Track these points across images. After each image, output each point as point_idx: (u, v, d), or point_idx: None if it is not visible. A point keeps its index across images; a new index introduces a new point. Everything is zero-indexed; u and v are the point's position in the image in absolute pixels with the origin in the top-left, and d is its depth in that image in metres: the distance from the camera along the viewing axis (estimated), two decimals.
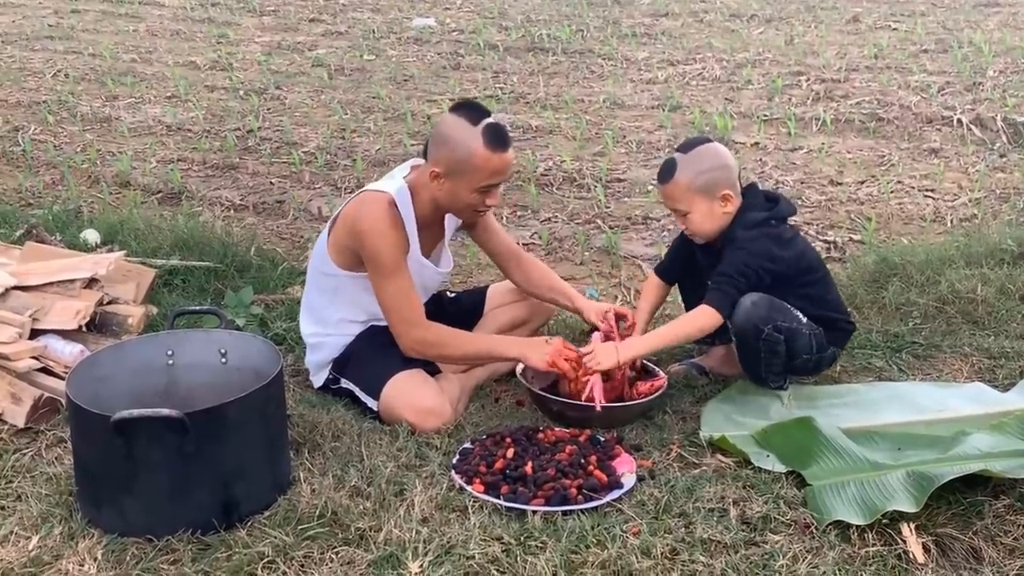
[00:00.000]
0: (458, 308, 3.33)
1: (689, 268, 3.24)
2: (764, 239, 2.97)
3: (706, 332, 2.98)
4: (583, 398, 2.92)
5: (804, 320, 2.99)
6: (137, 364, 2.73)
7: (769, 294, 2.95)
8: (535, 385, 3.04)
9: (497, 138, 2.83)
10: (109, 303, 3.32)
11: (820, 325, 3.04)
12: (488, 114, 2.88)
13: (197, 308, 3.14)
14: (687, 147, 3.05)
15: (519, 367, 3.13)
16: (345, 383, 3.07)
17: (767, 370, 3.01)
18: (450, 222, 3.16)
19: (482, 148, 2.81)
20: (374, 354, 3.02)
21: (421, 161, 3.04)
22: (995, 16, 9.41)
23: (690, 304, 3.27)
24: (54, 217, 4.56)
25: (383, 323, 3.03)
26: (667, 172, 3.02)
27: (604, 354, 2.95)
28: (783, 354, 2.97)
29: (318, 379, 3.15)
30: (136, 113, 6.96)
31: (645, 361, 3.16)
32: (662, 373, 3.14)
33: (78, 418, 2.44)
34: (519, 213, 5.06)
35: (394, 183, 2.97)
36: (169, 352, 2.77)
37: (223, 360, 2.77)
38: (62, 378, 2.95)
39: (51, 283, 3.26)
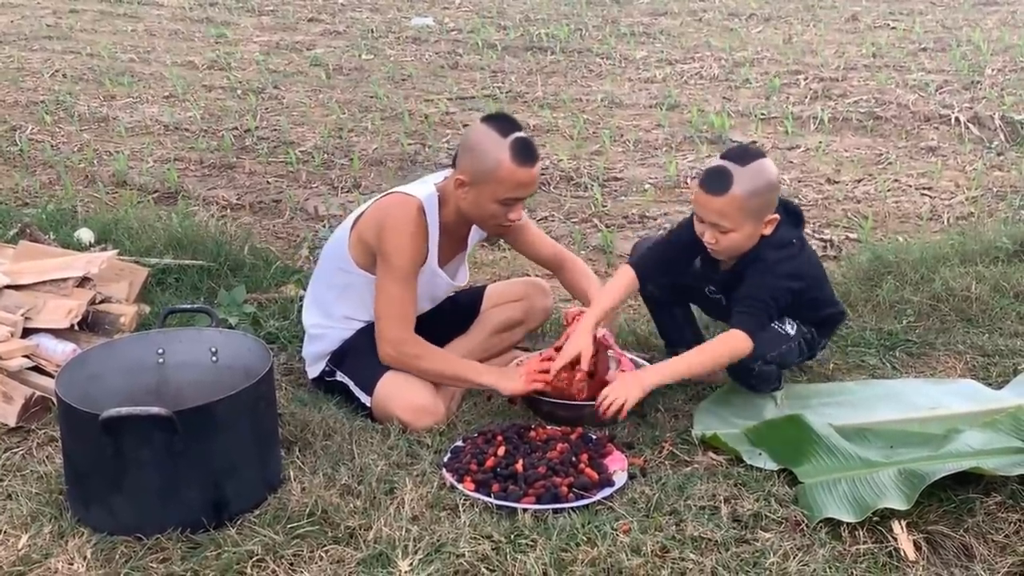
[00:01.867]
0: (455, 306, 3.33)
1: (669, 271, 3.10)
2: (791, 260, 2.88)
3: (739, 358, 2.81)
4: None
5: (793, 332, 2.97)
6: (128, 363, 2.73)
7: None
8: None
9: (524, 152, 2.84)
10: (102, 302, 3.32)
11: (816, 325, 3.03)
12: (519, 128, 2.90)
13: (188, 307, 3.13)
14: (741, 158, 2.79)
15: (513, 363, 3.15)
16: (340, 376, 3.07)
17: (762, 388, 3.03)
18: (474, 235, 3.17)
19: (508, 160, 2.82)
20: (372, 350, 3.02)
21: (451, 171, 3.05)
22: (994, 15, 9.40)
23: (663, 305, 3.23)
24: (48, 216, 4.56)
25: None
26: (721, 183, 2.75)
27: (627, 387, 2.77)
28: (775, 379, 3.00)
29: (313, 370, 3.15)
30: (133, 113, 6.96)
31: (634, 357, 3.15)
32: (645, 364, 3.11)
33: (67, 416, 2.44)
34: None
35: (425, 188, 2.99)
36: (160, 351, 2.76)
37: (214, 359, 2.77)
38: (54, 377, 2.94)
39: (43, 282, 3.26)
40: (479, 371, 3.00)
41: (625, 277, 3.07)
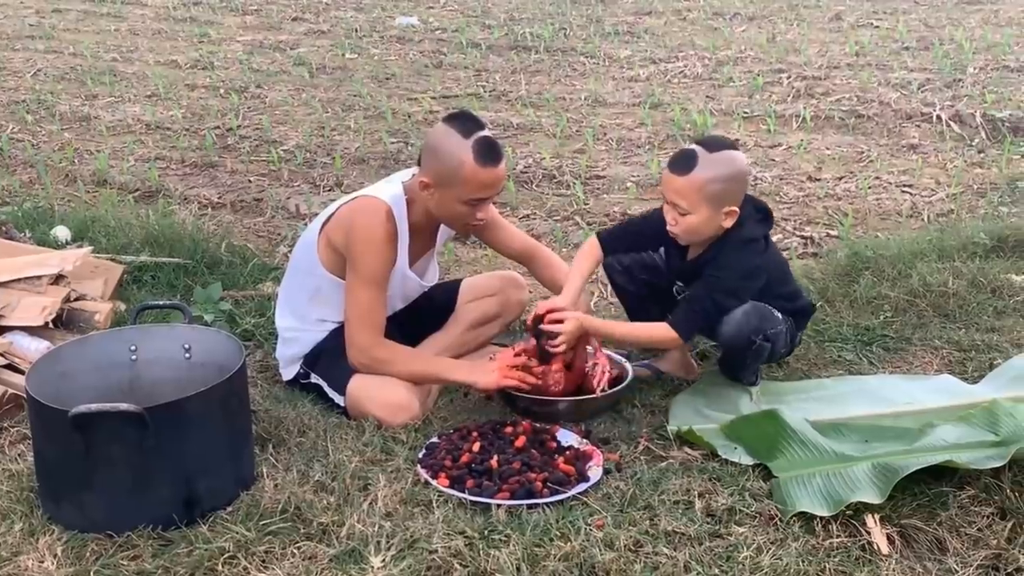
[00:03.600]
0: (430, 303, 3.31)
1: (633, 245, 3.17)
2: (753, 258, 2.91)
3: (656, 347, 3.10)
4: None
5: (781, 317, 2.99)
6: (100, 359, 2.71)
7: None
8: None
9: (488, 152, 2.80)
10: (76, 299, 3.30)
11: (791, 315, 3.05)
12: (482, 127, 2.84)
13: (161, 303, 3.12)
14: (712, 146, 2.85)
15: (486, 358, 3.13)
16: (315, 378, 3.05)
17: (747, 371, 3.03)
18: (443, 234, 3.15)
19: (471, 162, 2.78)
20: (345, 351, 3.00)
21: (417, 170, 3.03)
22: (977, 14, 9.43)
23: (639, 300, 3.23)
24: (24, 214, 4.53)
25: None
26: (685, 163, 2.81)
27: (569, 322, 2.89)
28: (766, 356, 2.99)
29: (288, 372, 3.13)
30: (115, 112, 6.93)
31: (611, 353, 3.15)
32: (627, 364, 3.12)
33: (37, 413, 2.43)
34: (498, 210, 5.03)
35: (391, 188, 2.96)
36: (132, 347, 2.74)
37: (187, 355, 2.75)
38: None
39: (17, 279, 3.24)
40: (452, 368, 2.98)
41: (591, 250, 3.13)
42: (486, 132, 2.84)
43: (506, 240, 3.26)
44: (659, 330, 2.92)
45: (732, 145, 2.93)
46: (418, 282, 3.12)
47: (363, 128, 6.43)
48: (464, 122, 2.85)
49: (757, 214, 2.97)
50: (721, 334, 2.91)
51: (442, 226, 3.10)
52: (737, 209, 2.85)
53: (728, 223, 2.86)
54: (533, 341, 2.96)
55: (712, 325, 2.92)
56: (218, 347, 2.72)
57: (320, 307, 3.06)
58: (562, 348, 2.90)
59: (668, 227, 2.93)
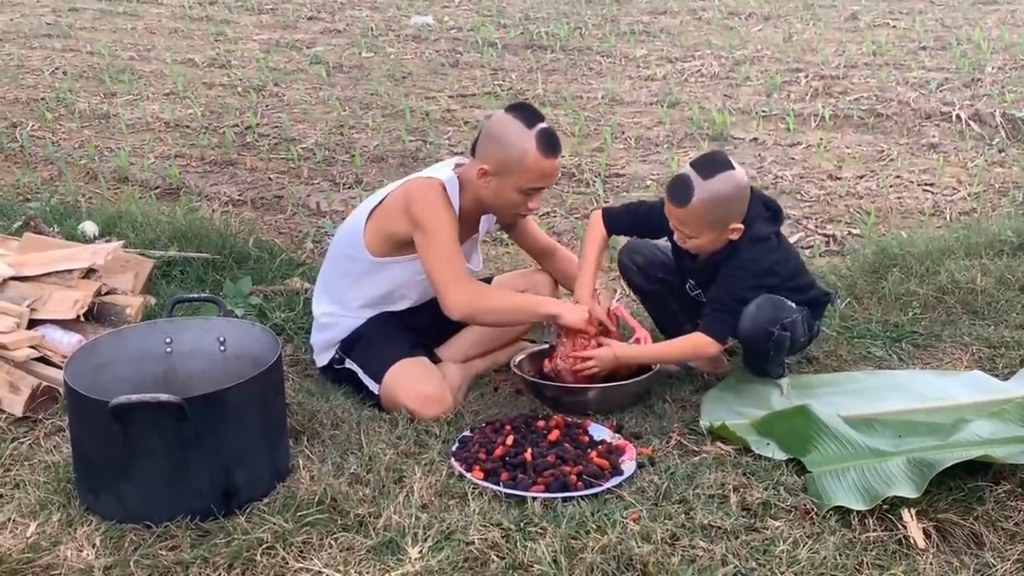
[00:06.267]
0: None
1: (637, 227, 3.21)
2: (768, 255, 2.94)
3: (700, 358, 3.11)
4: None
5: (795, 306, 2.99)
6: (136, 351, 2.72)
7: None
8: (527, 373, 3.07)
9: (550, 143, 2.87)
10: (107, 293, 3.31)
11: (805, 305, 3.05)
12: (543, 118, 2.92)
13: (196, 296, 3.13)
14: (706, 170, 2.84)
15: (515, 357, 3.16)
16: (350, 363, 3.07)
17: (772, 363, 3.03)
18: (484, 223, 3.18)
19: (535, 151, 2.85)
20: (382, 338, 3.03)
21: (464, 160, 3.06)
22: (994, 14, 9.41)
23: (656, 298, 3.26)
24: (51, 210, 4.55)
25: (395, 308, 3.08)
26: (682, 195, 2.84)
27: (604, 357, 2.96)
28: (787, 347, 2.99)
29: (322, 359, 3.15)
30: (134, 110, 6.95)
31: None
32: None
33: (76, 404, 2.44)
34: None
35: (444, 172, 3.00)
36: (168, 340, 2.76)
37: (222, 348, 2.76)
38: (60, 367, 2.93)
39: (49, 273, 3.25)
40: (542, 302, 3.08)
41: (595, 229, 3.17)
42: (547, 124, 2.91)
43: (533, 234, 3.32)
44: (696, 341, 2.95)
45: (726, 164, 2.88)
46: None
47: (381, 126, 6.44)
48: (526, 112, 2.91)
49: (767, 212, 2.99)
50: (739, 331, 2.92)
51: (483, 216, 3.13)
52: (741, 225, 2.90)
53: (735, 236, 2.91)
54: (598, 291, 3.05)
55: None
56: (252, 340, 2.73)
57: (361, 292, 3.08)
58: (595, 371, 2.96)
59: (678, 242, 2.99)
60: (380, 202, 3.03)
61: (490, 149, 2.90)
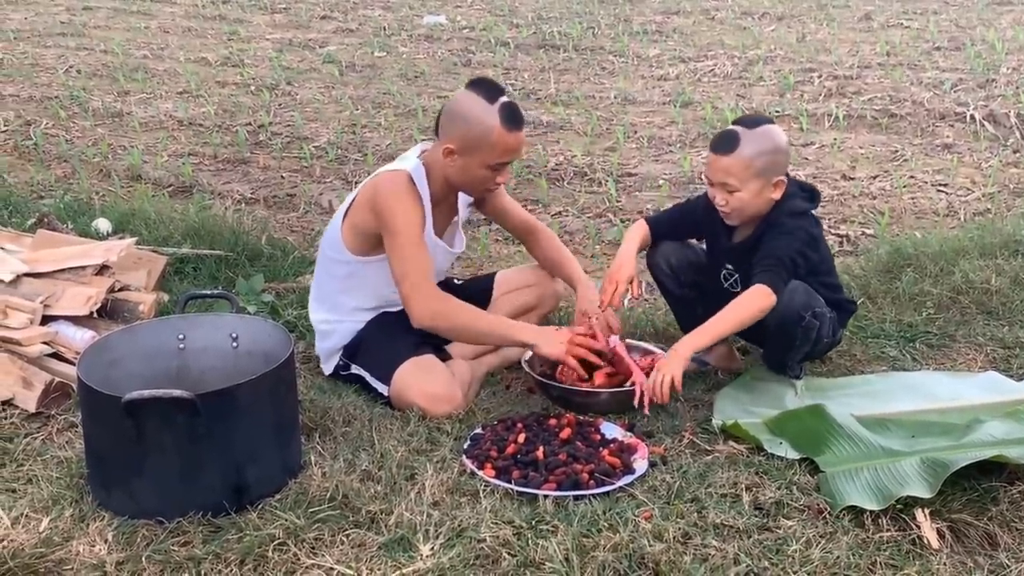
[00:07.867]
0: (466, 295, 3.30)
1: (678, 230, 3.21)
2: (807, 228, 2.95)
3: (764, 313, 2.81)
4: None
5: (824, 301, 2.98)
6: (148, 348, 2.72)
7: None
8: (538, 371, 3.06)
9: (513, 117, 2.84)
10: (120, 290, 3.32)
11: (833, 308, 3.03)
12: (503, 92, 2.89)
13: (209, 292, 3.13)
14: (750, 123, 2.91)
15: (526, 354, 3.13)
16: (356, 369, 3.06)
17: (793, 356, 3.01)
18: (462, 202, 3.16)
19: (498, 126, 2.82)
20: (385, 340, 3.01)
21: (429, 144, 3.04)
22: (1008, 14, 9.38)
23: (685, 303, 3.22)
24: (65, 207, 4.57)
25: (394, 309, 3.04)
26: (728, 143, 2.87)
27: (668, 364, 2.80)
28: (813, 340, 2.96)
29: (328, 366, 3.14)
30: (147, 108, 6.97)
31: (647, 345, 3.16)
32: (660, 352, 3.10)
33: (89, 399, 2.44)
34: (530, 207, 5.05)
35: (409, 162, 2.97)
36: (180, 336, 2.76)
37: (234, 344, 2.76)
38: (73, 364, 2.94)
39: (62, 270, 3.26)
40: (520, 329, 2.96)
41: (639, 227, 3.19)
42: (508, 97, 2.88)
43: (511, 212, 3.29)
44: (756, 295, 2.80)
45: (769, 120, 2.98)
46: (445, 248, 3.12)
47: (393, 125, 6.45)
48: (487, 88, 2.87)
49: (803, 193, 3.01)
50: (773, 312, 2.85)
51: (461, 195, 3.10)
52: (785, 179, 2.90)
53: (777, 194, 2.91)
54: (592, 324, 2.99)
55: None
56: (265, 336, 2.73)
57: (353, 294, 3.07)
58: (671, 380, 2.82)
59: (720, 209, 2.96)
60: (350, 204, 3.02)
61: (454, 127, 2.86)
